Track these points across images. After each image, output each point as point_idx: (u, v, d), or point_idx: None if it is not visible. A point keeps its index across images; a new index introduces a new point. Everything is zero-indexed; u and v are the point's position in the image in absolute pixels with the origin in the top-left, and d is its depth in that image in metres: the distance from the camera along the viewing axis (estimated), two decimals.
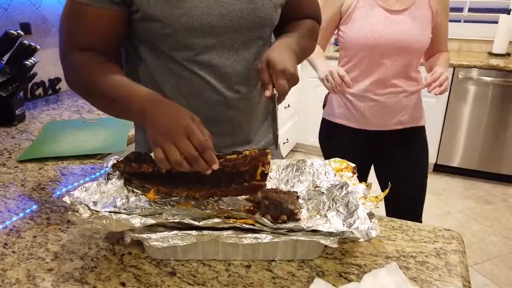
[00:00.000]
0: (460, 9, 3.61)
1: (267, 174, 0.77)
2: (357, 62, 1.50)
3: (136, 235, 0.67)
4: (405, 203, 1.60)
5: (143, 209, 0.74)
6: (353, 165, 0.89)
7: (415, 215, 1.61)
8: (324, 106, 1.72)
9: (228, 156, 0.76)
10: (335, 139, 1.65)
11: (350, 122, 1.58)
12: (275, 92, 0.81)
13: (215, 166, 0.70)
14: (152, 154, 0.81)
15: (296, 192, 0.81)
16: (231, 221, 0.68)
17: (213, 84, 0.91)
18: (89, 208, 0.69)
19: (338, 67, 1.45)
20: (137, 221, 0.67)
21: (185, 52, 0.87)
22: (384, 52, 1.44)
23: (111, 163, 0.84)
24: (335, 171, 0.88)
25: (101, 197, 0.75)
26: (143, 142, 1.02)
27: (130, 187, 0.80)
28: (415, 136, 1.60)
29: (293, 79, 0.82)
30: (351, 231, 0.67)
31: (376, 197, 0.77)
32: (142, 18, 0.84)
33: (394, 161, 1.61)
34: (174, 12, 0.82)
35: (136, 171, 0.80)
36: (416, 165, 1.61)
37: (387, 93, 1.49)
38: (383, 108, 1.51)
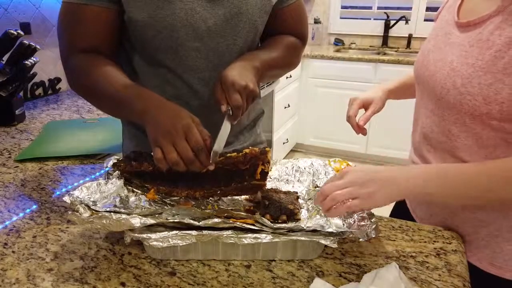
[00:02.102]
0: None
1: (267, 173, 0.77)
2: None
3: (136, 235, 0.67)
4: None
5: (143, 209, 0.74)
6: (353, 164, 0.89)
7: None
8: None
9: (228, 155, 0.76)
10: None
11: None
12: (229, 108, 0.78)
13: (211, 168, 0.72)
14: (152, 153, 0.82)
15: (296, 192, 0.81)
16: (231, 221, 0.68)
17: (196, 88, 0.91)
18: (89, 208, 0.69)
19: (367, 97, 1.00)
20: (137, 221, 0.67)
21: (169, 54, 0.87)
22: (423, 94, 0.88)
23: (111, 162, 0.84)
24: (335, 171, 0.88)
25: (101, 197, 0.75)
26: (131, 136, 1.03)
27: (130, 187, 0.80)
28: None
29: (246, 92, 0.78)
30: (351, 231, 0.67)
31: None
32: (128, 19, 0.84)
33: None
34: (158, 14, 0.82)
35: (137, 170, 0.80)
36: None
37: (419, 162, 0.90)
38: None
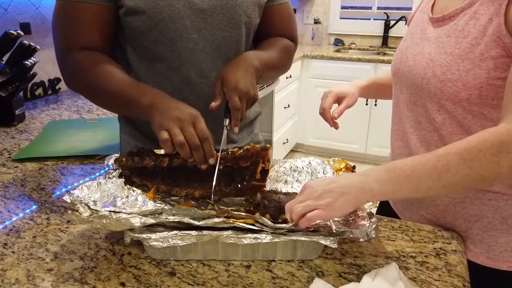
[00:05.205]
0: None
1: (268, 171, 0.77)
2: None
3: (136, 235, 0.67)
4: None
5: (143, 209, 0.74)
6: (352, 164, 0.89)
7: None
8: None
9: (230, 150, 0.77)
10: None
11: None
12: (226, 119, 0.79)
13: (212, 161, 0.74)
14: (155, 150, 0.82)
15: (296, 193, 0.81)
16: (231, 221, 0.68)
17: (193, 81, 0.92)
18: (89, 207, 0.69)
19: (341, 91, 1.03)
20: (137, 221, 0.67)
21: (167, 46, 0.88)
22: (403, 89, 0.90)
23: (112, 160, 0.85)
24: (333, 170, 0.88)
25: (101, 196, 0.75)
26: (129, 137, 1.04)
27: (130, 186, 0.80)
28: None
29: (246, 97, 0.79)
30: (351, 231, 0.67)
31: None
32: (126, 12, 0.85)
33: None
34: (157, 5, 0.83)
35: (138, 166, 0.80)
36: None
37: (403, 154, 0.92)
38: None
